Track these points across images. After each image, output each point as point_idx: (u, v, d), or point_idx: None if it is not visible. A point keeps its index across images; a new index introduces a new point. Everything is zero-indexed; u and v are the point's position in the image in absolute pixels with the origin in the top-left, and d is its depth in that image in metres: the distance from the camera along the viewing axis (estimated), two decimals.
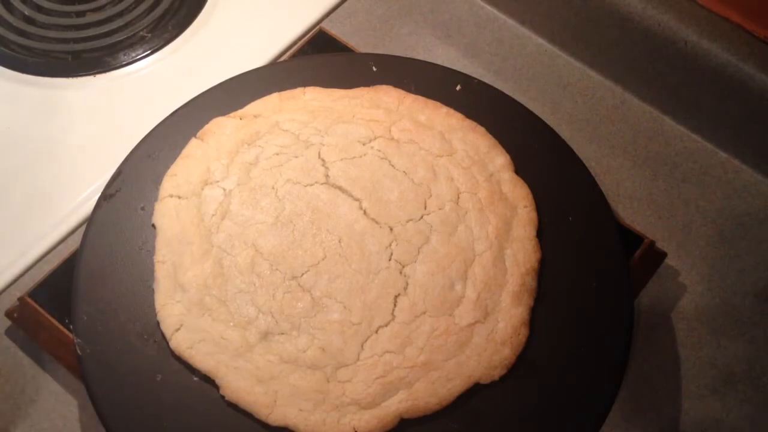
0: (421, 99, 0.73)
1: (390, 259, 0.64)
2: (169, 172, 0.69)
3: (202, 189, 0.68)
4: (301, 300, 0.62)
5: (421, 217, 0.66)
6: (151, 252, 0.66)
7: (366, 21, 0.90)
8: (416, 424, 0.59)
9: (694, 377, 0.69)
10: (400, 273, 0.63)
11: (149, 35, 0.88)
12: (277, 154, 0.69)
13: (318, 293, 0.62)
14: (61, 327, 0.66)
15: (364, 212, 0.66)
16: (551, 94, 0.85)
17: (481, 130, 0.71)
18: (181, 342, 0.61)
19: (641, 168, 0.80)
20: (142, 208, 0.68)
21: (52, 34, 0.87)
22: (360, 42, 0.87)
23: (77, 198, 0.76)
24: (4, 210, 0.76)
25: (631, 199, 0.78)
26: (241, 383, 0.59)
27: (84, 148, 0.80)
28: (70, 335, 0.62)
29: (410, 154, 0.69)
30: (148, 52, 0.86)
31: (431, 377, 0.59)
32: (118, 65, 0.85)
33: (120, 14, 0.89)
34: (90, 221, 0.67)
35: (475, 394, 0.60)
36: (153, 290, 0.64)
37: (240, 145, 0.70)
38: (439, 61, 0.78)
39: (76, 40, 0.87)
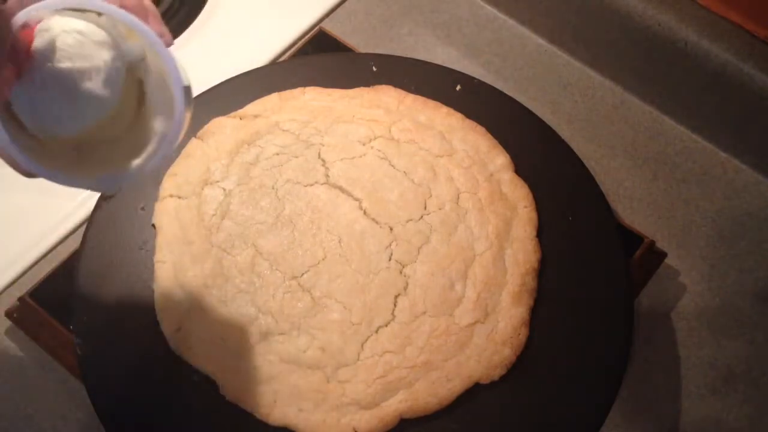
0: (421, 99, 0.73)
1: (390, 259, 0.64)
2: (169, 171, 0.69)
3: (202, 189, 0.68)
4: (301, 300, 0.62)
5: (421, 217, 0.66)
6: (151, 252, 0.66)
7: (366, 21, 0.90)
8: (416, 424, 0.59)
9: (694, 377, 0.69)
10: (400, 273, 0.63)
11: None
12: (277, 154, 0.69)
13: (318, 293, 0.62)
14: (61, 327, 0.66)
15: (364, 212, 0.66)
16: (551, 94, 0.85)
17: (481, 130, 0.71)
18: (181, 342, 0.61)
19: (641, 168, 0.80)
20: (142, 208, 0.68)
21: None
22: (360, 42, 0.87)
23: (77, 198, 0.76)
24: (4, 210, 0.76)
25: (631, 199, 0.78)
26: (241, 383, 0.59)
27: None
28: (70, 335, 0.62)
29: (410, 154, 0.69)
30: None
31: (431, 377, 0.59)
32: None
33: None
34: (90, 221, 0.67)
35: (475, 394, 0.60)
36: (153, 290, 0.64)
37: (240, 145, 0.70)
38: (439, 61, 0.78)
39: None
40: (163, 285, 0.64)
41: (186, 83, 0.45)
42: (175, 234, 0.66)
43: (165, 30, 0.46)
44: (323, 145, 0.69)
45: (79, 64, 0.42)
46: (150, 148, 0.46)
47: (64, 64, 0.42)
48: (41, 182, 0.45)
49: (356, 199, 0.66)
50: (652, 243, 0.70)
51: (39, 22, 0.42)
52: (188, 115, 0.46)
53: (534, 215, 0.67)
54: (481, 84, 0.75)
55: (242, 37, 0.88)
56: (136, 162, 0.46)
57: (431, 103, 0.73)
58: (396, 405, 0.59)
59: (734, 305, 0.73)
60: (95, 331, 0.62)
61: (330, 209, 0.66)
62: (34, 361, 0.69)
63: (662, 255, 0.71)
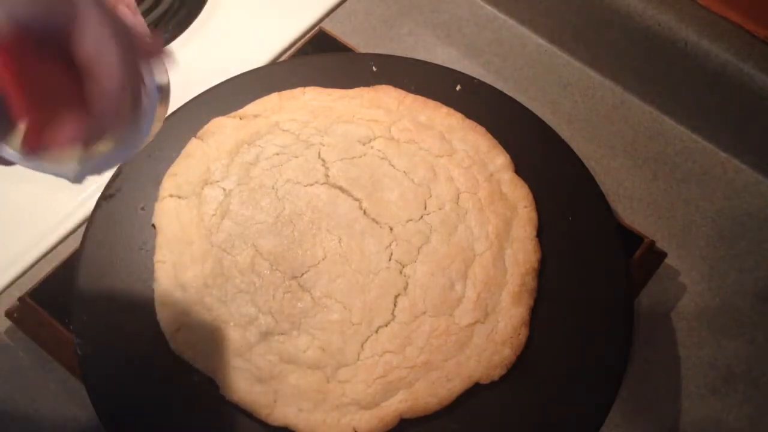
0: (421, 99, 0.73)
1: (390, 259, 0.64)
2: (169, 171, 0.69)
3: (202, 189, 0.68)
4: (301, 300, 0.62)
5: (421, 217, 0.66)
6: (151, 252, 0.66)
7: (366, 21, 0.90)
8: (416, 424, 0.59)
9: (694, 377, 0.69)
10: (400, 273, 0.63)
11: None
12: (277, 154, 0.69)
13: (318, 293, 0.62)
14: (61, 327, 0.66)
15: (364, 212, 0.66)
16: (551, 94, 0.85)
17: (481, 130, 0.71)
18: (181, 342, 0.61)
19: (641, 168, 0.80)
20: (142, 208, 0.68)
21: None
22: (360, 42, 0.87)
23: (77, 198, 0.76)
24: (4, 209, 0.76)
25: (631, 199, 0.78)
26: (241, 383, 0.59)
27: None
28: (70, 335, 0.62)
29: (410, 154, 0.69)
30: None
31: (431, 377, 0.59)
32: None
33: None
34: (90, 221, 0.67)
35: (475, 394, 0.60)
36: (153, 290, 0.64)
37: (240, 145, 0.70)
38: (439, 61, 0.78)
39: None
40: (163, 285, 0.64)
41: (159, 80, 0.45)
42: (175, 234, 0.66)
43: (139, 20, 0.44)
44: (323, 145, 0.69)
45: None
46: (119, 142, 0.46)
47: None
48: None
49: (356, 199, 0.66)
50: (652, 243, 0.70)
51: None
52: (161, 110, 0.46)
53: (534, 215, 0.67)
54: (481, 84, 0.75)
55: (242, 37, 0.88)
56: (102, 153, 0.45)
57: (431, 103, 0.73)
58: (396, 405, 0.59)
59: (734, 305, 0.73)
60: (95, 331, 0.62)
61: (330, 209, 0.66)
62: (34, 361, 0.69)
63: (662, 255, 0.71)
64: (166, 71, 0.46)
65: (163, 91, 0.46)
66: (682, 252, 0.75)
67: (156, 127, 0.46)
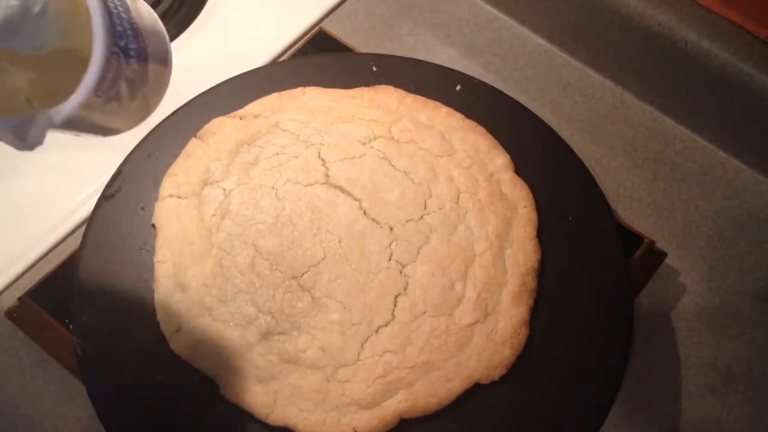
0: (421, 99, 0.73)
1: (390, 259, 0.64)
2: (169, 171, 0.69)
3: (202, 189, 0.68)
4: (301, 300, 0.62)
5: (421, 217, 0.66)
6: (151, 252, 0.66)
7: (366, 21, 0.90)
8: (416, 424, 0.59)
9: (694, 377, 0.69)
10: (400, 273, 0.63)
11: None
12: (277, 154, 0.69)
13: (318, 293, 0.62)
14: (61, 327, 0.66)
15: (364, 212, 0.66)
16: (551, 94, 0.85)
17: (481, 130, 0.71)
18: (181, 342, 0.61)
19: (641, 168, 0.80)
20: (142, 208, 0.68)
21: None
22: (360, 42, 0.87)
23: (77, 198, 0.76)
24: (4, 210, 0.76)
25: (631, 199, 0.78)
26: (241, 383, 0.59)
27: (84, 148, 0.80)
28: (70, 335, 0.62)
29: (410, 154, 0.69)
30: None
31: (431, 377, 0.60)
32: None
33: None
34: (90, 221, 0.67)
35: (475, 394, 0.60)
36: (153, 290, 0.64)
37: (240, 145, 0.70)
38: (439, 61, 0.78)
39: None
40: (163, 285, 0.64)
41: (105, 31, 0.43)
42: (175, 234, 0.66)
43: None
44: (323, 145, 0.69)
45: None
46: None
47: None
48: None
49: (356, 199, 0.66)
50: (652, 243, 0.70)
51: None
52: (122, 64, 0.44)
53: (534, 215, 0.67)
54: (481, 84, 0.75)
55: (242, 37, 0.88)
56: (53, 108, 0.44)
57: (431, 103, 0.73)
58: (396, 405, 0.59)
59: (734, 305, 0.73)
60: (95, 331, 0.62)
61: (330, 209, 0.66)
62: (34, 361, 0.69)
63: (662, 255, 0.71)
64: (143, 16, 0.44)
65: (119, 45, 0.43)
66: (682, 252, 0.75)
67: (96, 77, 0.44)
